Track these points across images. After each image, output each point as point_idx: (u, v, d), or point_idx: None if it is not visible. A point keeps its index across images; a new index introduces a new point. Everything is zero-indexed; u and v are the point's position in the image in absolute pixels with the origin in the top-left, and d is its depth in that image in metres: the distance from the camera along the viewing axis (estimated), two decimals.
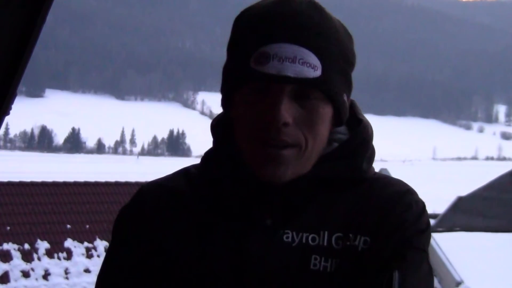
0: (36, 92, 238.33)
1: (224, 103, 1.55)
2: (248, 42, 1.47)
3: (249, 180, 1.49)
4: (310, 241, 1.46)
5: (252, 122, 1.45)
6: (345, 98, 1.52)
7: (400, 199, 1.50)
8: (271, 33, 1.45)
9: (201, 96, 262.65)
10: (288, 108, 1.43)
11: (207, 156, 1.59)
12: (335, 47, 1.48)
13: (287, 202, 1.49)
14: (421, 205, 1.52)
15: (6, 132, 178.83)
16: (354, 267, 1.45)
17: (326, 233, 1.47)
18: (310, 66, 1.43)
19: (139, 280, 1.53)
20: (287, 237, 1.46)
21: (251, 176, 1.49)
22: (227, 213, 1.51)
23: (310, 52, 1.44)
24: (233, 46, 1.53)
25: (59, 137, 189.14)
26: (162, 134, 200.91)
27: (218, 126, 1.58)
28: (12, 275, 15.64)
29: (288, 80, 1.42)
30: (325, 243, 1.46)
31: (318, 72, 1.43)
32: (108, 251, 1.61)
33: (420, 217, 1.50)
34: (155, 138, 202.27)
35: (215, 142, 1.58)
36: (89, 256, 16.91)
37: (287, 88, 1.43)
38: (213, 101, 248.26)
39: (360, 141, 1.54)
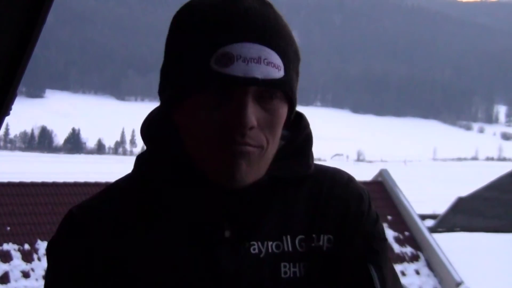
0: (36, 93, 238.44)
1: (169, 106, 1.44)
2: (205, 42, 1.37)
3: (202, 187, 1.41)
4: (275, 249, 1.42)
5: (213, 127, 1.36)
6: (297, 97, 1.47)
7: (349, 190, 1.49)
8: (231, 32, 1.36)
9: None
10: (253, 111, 1.36)
11: (142, 165, 1.49)
12: (290, 45, 1.42)
13: (245, 208, 1.42)
14: (368, 194, 1.51)
15: (6, 133, 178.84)
16: (324, 268, 1.42)
17: (288, 237, 1.43)
18: (275, 67, 1.37)
19: None
20: (254, 249, 1.41)
21: (202, 183, 1.40)
22: (181, 228, 1.42)
23: (273, 52, 1.37)
24: (181, 47, 1.41)
25: (59, 138, 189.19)
26: None
27: (151, 132, 1.48)
28: (12, 276, 15.65)
29: (256, 82, 1.34)
30: (290, 248, 1.42)
31: (281, 73, 1.38)
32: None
33: (370, 206, 1.50)
34: None
35: (152, 150, 1.48)
36: None
37: (251, 90, 1.36)
38: None
39: (306, 137, 1.51)
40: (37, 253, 16.25)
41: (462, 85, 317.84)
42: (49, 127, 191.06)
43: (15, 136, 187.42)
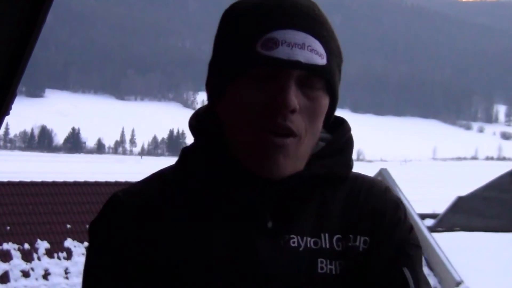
0: (36, 92, 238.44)
1: (214, 96, 1.50)
2: (251, 29, 1.44)
3: (243, 177, 1.45)
4: (313, 245, 1.45)
5: (256, 109, 1.41)
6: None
7: (387, 198, 1.53)
8: (278, 20, 1.43)
9: (201, 96, 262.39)
10: (296, 95, 1.41)
11: (188, 156, 1.54)
12: (334, 41, 1.49)
13: (285, 200, 1.46)
14: (403, 204, 1.55)
15: (6, 132, 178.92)
16: (358, 268, 1.47)
17: (326, 235, 1.47)
18: (318, 54, 1.42)
19: None
20: (293, 242, 1.44)
21: (245, 173, 1.45)
22: (223, 217, 1.46)
23: (317, 41, 1.43)
24: (228, 36, 1.49)
25: (59, 137, 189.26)
26: (162, 134, 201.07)
27: (199, 125, 1.54)
28: (12, 275, 15.64)
29: (299, 65, 1.40)
30: (327, 246, 1.46)
31: (324, 60, 1.43)
32: (92, 267, 1.50)
33: (406, 215, 1.54)
34: (155, 138, 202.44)
35: (198, 141, 1.53)
36: None
37: (294, 74, 1.41)
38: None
39: (347, 140, 1.55)
40: (37, 253, 16.24)
41: (461, 84, 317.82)
42: (48, 127, 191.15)
43: (15, 135, 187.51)
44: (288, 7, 1.45)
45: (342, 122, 1.57)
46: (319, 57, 1.43)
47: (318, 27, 1.45)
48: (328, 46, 1.46)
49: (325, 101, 1.46)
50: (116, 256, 1.45)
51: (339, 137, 1.54)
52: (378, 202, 1.52)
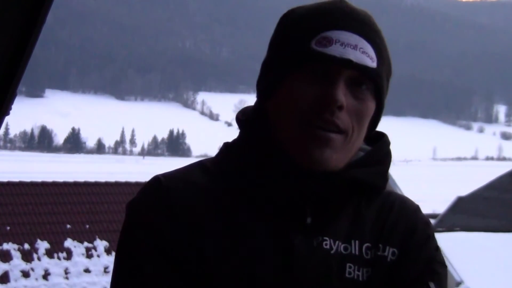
0: (36, 92, 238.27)
1: (266, 92, 1.54)
2: (308, 28, 1.49)
3: (290, 172, 1.47)
4: (343, 250, 1.49)
5: (306, 103, 1.46)
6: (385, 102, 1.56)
7: (418, 216, 1.58)
8: (334, 20, 1.49)
9: (201, 96, 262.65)
10: (344, 93, 1.46)
11: (232, 150, 1.56)
12: (385, 51, 1.54)
13: (325, 199, 1.49)
14: (431, 223, 1.60)
15: (6, 132, 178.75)
16: (385, 277, 1.50)
17: (357, 242, 1.50)
18: (369, 57, 1.48)
19: (174, 275, 1.46)
20: (326, 244, 1.48)
21: (289, 167, 1.48)
22: (264, 212, 1.49)
23: (369, 45, 1.49)
24: (284, 37, 1.53)
25: (59, 137, 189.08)
26: (162, 134, 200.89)
27: (247, 120, 1.57)
28: (12, 275, 15.64)
29: (350, 64, 1.45)
30: (357, 252, 1.50)
31: (374, 64, 1.48)
32: (131, 244, 1.51)
33: (434, 234, 1.58)
34: (155, 138, 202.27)
35: (244, 135, 1.56)
36: (89, 256, 16.91)
37: (345, 73, 1.46)
38: (213, 101, 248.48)
39: (386, 152, 1.58)
40: (36, 253, 16.25)
41: (461, 84, 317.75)
42: (49, 127, 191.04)
43: (15, 135, 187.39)
44: (345, 11, 1.51)
45: (383, 136, 1.60)
46: (370, 60, 1.48)
47: (372, 34, 1.51)
48: (380, 52, 1.51)
49: (371, 104, 1.51)
50: (157, 236, 1.47)
51: (380, 149, 1.57)
52: (410, 218, 1.56)
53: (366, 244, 1.50)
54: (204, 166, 1.56)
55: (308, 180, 1.46)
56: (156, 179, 1.53)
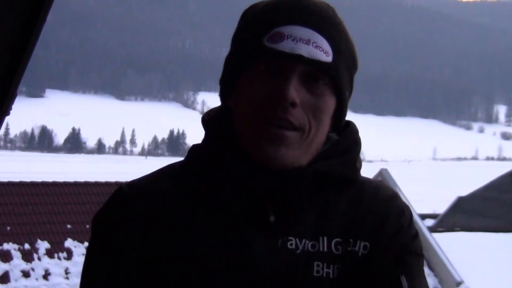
0: (36, 92, 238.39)
1: (225, 91, 1.53)
2: (262, 24, 1.47)
3: (248, 170, 1.45)
4: (310, 248, 1.44)
5: (259, 101, 1.43)
6: (347, 95, 1.52)
7: (392, 205, 1.51)
8: (286, 15, 1.46)
9: (201, 96, 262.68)
10: (297, 88, 1.42)
11: (196, 151, 1.54)
12: (344, 43, 1.50)
13: (288, 196, 1.45)
14: (410, 210, 1.53)
15: (7, 132, 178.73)
16: (357, 273, 1.44)
17: (325, 238, 1.45)
18: (323, 51, 1.44)
19: (131, 285, 1.46)
20: (291, 244, 1.44)
21: (249, 166, 1.45)
22: (225, 212, 1.46)
23: (323, 39, 1.45)
24: (241, 32, 1.52)
25: (60, 137, 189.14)
26: (163, 134, 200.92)
27: (211, 120, 1.55)
28: (12, 275, 15.64)
29: (301, 59, 1.42)
30: (325, 249, 1.45)
31: (329, 58, 1.44)
32: (89, 259, 1.51)
33: (411, 222, 1.51)
34: (155, 138, 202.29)
35: (207, 136, 1.54)
36: None
37: (298, 68, 1.43)
38: (213, 101, 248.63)
39: (352, 141, 1.54)
40: (37, 253, 16.24)
41: (461, 84, 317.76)
42: (49, 127, 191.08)
43: (15, 135, 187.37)
44: (299, 5, 1.47)
45: (349, 125, 1.57)
46: (324, 54, 1.43)
47: (328, 27, 1.47)
48: (336, 46, 1.47)
49: (329, 98, 1.47)
50: (116, 249, 1.47)
51: (344, 139, 1.54)
52: (382, 208, 1.50)
53: (335, 240, 1.46)
54: (173, 169, 1.55)
55: (266, 177, 1.43)
56: (118, 190, 1.53)
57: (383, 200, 1.51)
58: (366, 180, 1.55)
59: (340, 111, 1.51)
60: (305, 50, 1.42)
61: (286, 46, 1.42)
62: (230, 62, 1.51)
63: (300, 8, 1.47)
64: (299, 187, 1.45)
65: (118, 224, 1.48)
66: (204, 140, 1.54)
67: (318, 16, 1.47)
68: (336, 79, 1.46)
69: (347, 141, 1.53)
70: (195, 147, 1.55)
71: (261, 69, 1.44)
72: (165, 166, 1.58)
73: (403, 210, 1.51)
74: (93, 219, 1.53)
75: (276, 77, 1.43)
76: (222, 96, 1.54)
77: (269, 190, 1.44)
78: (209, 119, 1.55)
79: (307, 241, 1.44)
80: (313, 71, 1.44)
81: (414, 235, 1.50)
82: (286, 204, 1.45)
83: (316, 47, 1.43)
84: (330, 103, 1.47)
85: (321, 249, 1.44)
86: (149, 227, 1.46)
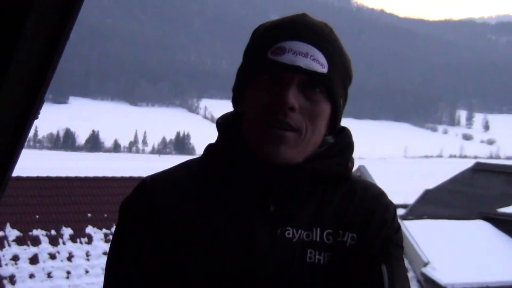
0: (60, 99, 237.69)
1: (236, 99, 1.53)
2: (267, 40, 1.48)
3: (252, 165, 1.45)
4: (305, 238, 1.44)
5: (263, 106, 1.44)
6: (341, 103, 1.52)
7: (379, 201, 1.50)
8: (288, 32, 1.46)
9: (204, 102, 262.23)
10: (296, 95, 1.43)
11: (210, 149, 1.54)
12: (339, 57, 1.50)
13: (287, 190, 1.45)
14: (394, 207, 1.52)
15: (35, 134, 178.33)
16: (345, 260, 1.44)
17: (318, 229, 1.45)
18: (319, 63, 1.44)
19: (150, 268, 1.46)
20: (288, 234, 1.44)
21: (254, 163, 1.45)
22: (233, 200, 1.46)
23: (320, 53, 1.46)
24: (250, 47, 1.53)
25: (81, 138, 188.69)
26: (170, 136, 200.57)
27: (224, 123, 1.55)
28: (40, 257, 15.65)
29: (300, 70, 1.42)
30: (318, 239, 1.44)
31: (324, 70, 1.45)
32: (116, 240, 1.53)
33: (395, 217, 1.51)
34: (164, 139, 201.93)
35: (220, 137, 1.53)
36: (107, 240, 16.90)
37: (297, 78, 1.43)
38: (214, 107, 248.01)
39: (346, 144, 1.54)
40: (62, 238, 16.25)
41: (429, 92, 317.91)
42: (72, 129, 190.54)
43: (43, 137, 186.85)
44: (299, 23, 1.48)
45: (344, 129, 1.57)
46: (320, 66, 1.44)
47: (324, 43, 1.48)
48: (332, 59, 1.47)
49: (325, 105, 1.47)
50: (139, 232, 1.48)
51: (339, 142, 1.54)
52: (370, 204, 1.49)
53: (327, 231, 1.45)
54: (188, 166, 1.56)
55: (268, 172, 1.44)
56: (143, 181, 1.55)
57: (372, 197, 1.50)
58: (359, 179, 1.55)
59: (335, 116, 1.51)
60: (303, 62, 1.42)
61: (287, 58, 1.43)
62: (241, 73, 1.51)
63: (300, 26, 1.47)
64: (296, 182, 1.44)
65: (141, 211, 1.49)
66: (217, 140, 1.54)
67: (316, 33, 1.47)
68: (330, 88, 1.46)
69: (342, 144, 1.53)
70: (210, 146, 1.54)
71: (265, 79, 1.45)
72: (183, 162, 1.58)
73: (388, 207, 1.51)
74: (120, 206, 1.54)
75: (278, 86, 1.44)
76: (234, 103, 1.54)
77: (270, 184, 1.44)
78: (223, 123, 1.54)
79: (302, 231, 1.44)
80: (310, 80, 1.44)
81: (397, 228, 1.50)
82: (285, 196, 1.45)
83: (313, 59, 1.44)
84: (325, 108, 1.47)
85: (314, 238, 1.44)
86: (167, 215, 1.47)
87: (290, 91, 1.42)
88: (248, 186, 1.45)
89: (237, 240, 1.42)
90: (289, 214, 1.45)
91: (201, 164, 1.53)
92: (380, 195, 1.52)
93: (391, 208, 1.51)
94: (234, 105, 1.54)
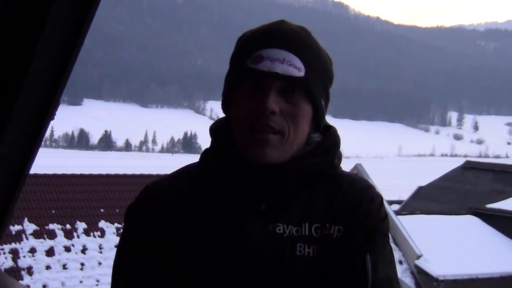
0: (75, 101, 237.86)
1: (224, 104, 1.53)
2: (247, 49, 1.47)
3: (243, 167, 1.45)
4: (294, 233, 1.44)
5: (247, 112, 1.44)
6: (323, 102, 1.51)
7: (364, 194, 1.49)
8: (265, 41, 1.46)
9: (210, 104, 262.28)
10: (276, 100, 1.43)
11: (206, 153, 1.54)
12: (317, 59, 1.48)
13: (277, 189, 1.45)
14: (380, 198, 1.51)
15: (52, 134, 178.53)
16: (332, 252, 1.44)
17: (307, 224, 1.45)
18: (296, 68, 1.43)
19: (153, 266, 1.47)
20: (279, 229, 1.44)
21: (245, 165, 1.45)
22: (228, 199, 1.46)
23: (296, 57, 1.44)
24: (233, 56, 1.52)
25: (94, 138, 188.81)
26: (178, 135, 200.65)
27: (216, 128, 1.54)
28: (56, 250, 15.66)
29: (277, 76, 1.42)
30: (307, 233, 1.44)
31: (302, 73, 1.44)
32: (122, 242, 1.53)
33: (380, 208, 1.49)
34: (172, 138, 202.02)
35: (213, 141, 1.53)
36: (119, 234, 16.90)
37: (276, 83, 1.43)
38: (219, 108, 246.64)
39: (332, 142, 1.53)
40: (76, 232, 16.26)
41: (422, 95, 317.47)
42: (86, 129, 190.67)
43: (59, 136, 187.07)
44: (276, 31, 1.47)
45: (329, 128, 1.56)
46: (297, 70, 1.43)
47: (301, 48, 1.46)
48: (309, 62, 1.45)
49: (305, 106, 1.46)
50: (143, 234, 1.48)
51: (325, 141, 1.52)
52: (356, 196, 1.48)
53: (315, 225, 1.45)
54: (188, 169, 1.56)
55: (257, 173, 1.44)
56: (146, 187, 1.55)
57: (357, 190, 1.49)
58: (347, 174, 1.54)
59: (317, 115, 1.49)
60: (280, 68, 1.42)
61: (264, 66, 1.42)
62: (227, 80, 1.51)
63: (277, 33, 1.46)
64: (283, 181, 1.44)
65: (145, 215, 1.50)
66: (210, 145, 1.54)
67: (292, 39, 1.46)
68: (309, 90, 1.45)
69: (328, 143, 1.52)
70: (205, 151, 1.54)
71: (248, 85, 1.45)
72: (183, 167, 1.58)
73: (373, 198, 1.49)
74: (126, 211, 1.54)
75: (259, 92, 1.44)
76: (223, 107, 1.54)
77: (260, 184, 1.45)
78: (215, 128, 1.54)
79: (292, 227, 1.44)
80: (288, 84, 1.43)
81: (382, 218, 1.49)
82: (274, 195, 1.45)
83: (290, 65, 1.42)
84: (305, 110, 1.46)
85: (303, 233, 1.44)
86: (168, 217, 1.47)
87: (270, 96, 1.42)
88: (240, 187, 1.45)
89: (231, 237, 1.43)
90: (279, 211, 1.45)
91: (198, 169, 1.53)
92: (366, 187, 1.51)
93: (376, 199, 1.49)
94: (224, 110, 1.54)
